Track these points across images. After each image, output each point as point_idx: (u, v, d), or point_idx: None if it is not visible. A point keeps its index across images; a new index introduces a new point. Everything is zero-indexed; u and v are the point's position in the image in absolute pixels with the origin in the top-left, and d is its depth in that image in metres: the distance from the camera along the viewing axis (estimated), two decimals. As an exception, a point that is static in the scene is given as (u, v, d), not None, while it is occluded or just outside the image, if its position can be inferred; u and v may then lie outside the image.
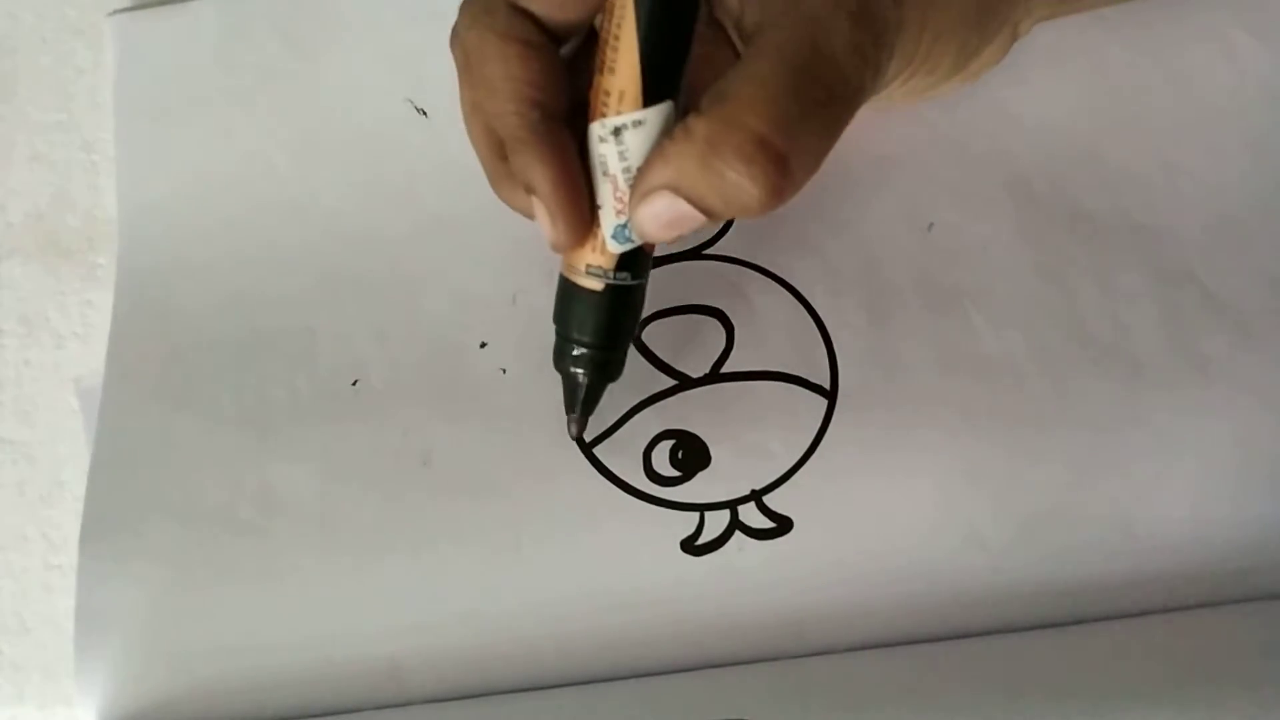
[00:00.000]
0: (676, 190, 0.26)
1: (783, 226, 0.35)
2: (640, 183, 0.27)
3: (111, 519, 0.34)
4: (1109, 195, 0.35)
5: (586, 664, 0.32)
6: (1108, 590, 0.32)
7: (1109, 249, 0.35)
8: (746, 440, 0.34)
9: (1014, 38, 0.33)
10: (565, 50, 0.29)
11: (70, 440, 0.37)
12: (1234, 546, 0.33)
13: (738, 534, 0.33)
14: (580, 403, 0.32)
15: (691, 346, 0.35)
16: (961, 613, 0.32)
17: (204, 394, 0.35)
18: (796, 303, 0.35)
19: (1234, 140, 0.36)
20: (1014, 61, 0.34)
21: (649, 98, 0.26)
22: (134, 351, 0.36)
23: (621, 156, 0.27)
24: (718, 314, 0.35)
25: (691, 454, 0.34)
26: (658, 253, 0.35)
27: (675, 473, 0.34)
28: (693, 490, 0.33)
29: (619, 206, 0.28)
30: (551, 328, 0.32)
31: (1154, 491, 0.33)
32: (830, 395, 0.34)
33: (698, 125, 0.26)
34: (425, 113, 0.37)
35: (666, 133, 0.27)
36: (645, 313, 0.34)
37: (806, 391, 0.34)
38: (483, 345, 0.35)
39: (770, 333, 0.35)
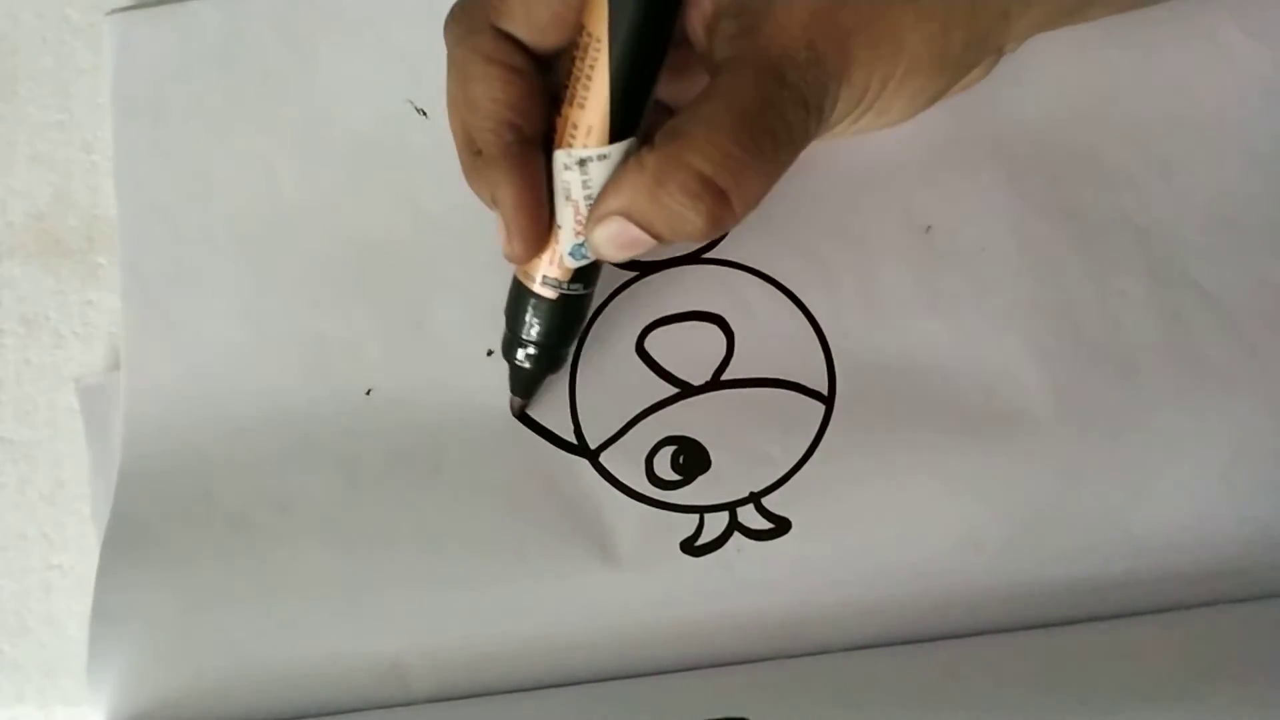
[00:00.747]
0: (628, 216, 0.28)
1: (781, 230, 0.35)
2: (597, 207, 0.29)
3: (135, 521, 0.34)
4: (1106, 196, 0.35)
5: (587, 664, 0.33)
6: (1106, 590, 0.32)
7: (1106, 250, 0.35)
8: (746, 445, 0.34)
9: (998, 59, 0.34)
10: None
11: (70, 440, 0.37)
12: (1231, 546, 0.33)
13: (736, 535, 0.33)
14: (524, 389, 0.34)
15: (692, 354, 0.35)
16: (959, 613, 0.33)
17: (220, 401, 0.35)
18: (794, 308, 0.35)
19: (1232, 141, 0.36)
20: (1012, 62, 0.35)
21: (615, 135, 0.28)
22: (148, 359, 0.36)
23: (584, 185, 0.29)
24: (718, 320, 0.35)
25: (692, 459, 0.34)
26: (659, 256, 0.35)
27: (676, 476, 0.34)
28: (693, 493, 0.34)
29: (578, 228, 0.30)
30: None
31: (1152, 492, 0.33)
32: (828, 400, 0.34)
33: (649, 159, 0.28)
34: (425, 113, 0.37)
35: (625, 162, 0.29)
36: (647, 320, 0.35)
37: (804, 397, 0.34)
38: (489, 354, 0.35)
39: (769, 339, 0.35)
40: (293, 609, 0.33)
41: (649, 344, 0.35)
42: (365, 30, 0.38)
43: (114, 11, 0.39)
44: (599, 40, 0.27)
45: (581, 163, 0.29)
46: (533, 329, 0.32)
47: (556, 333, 0.32)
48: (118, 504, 0.34)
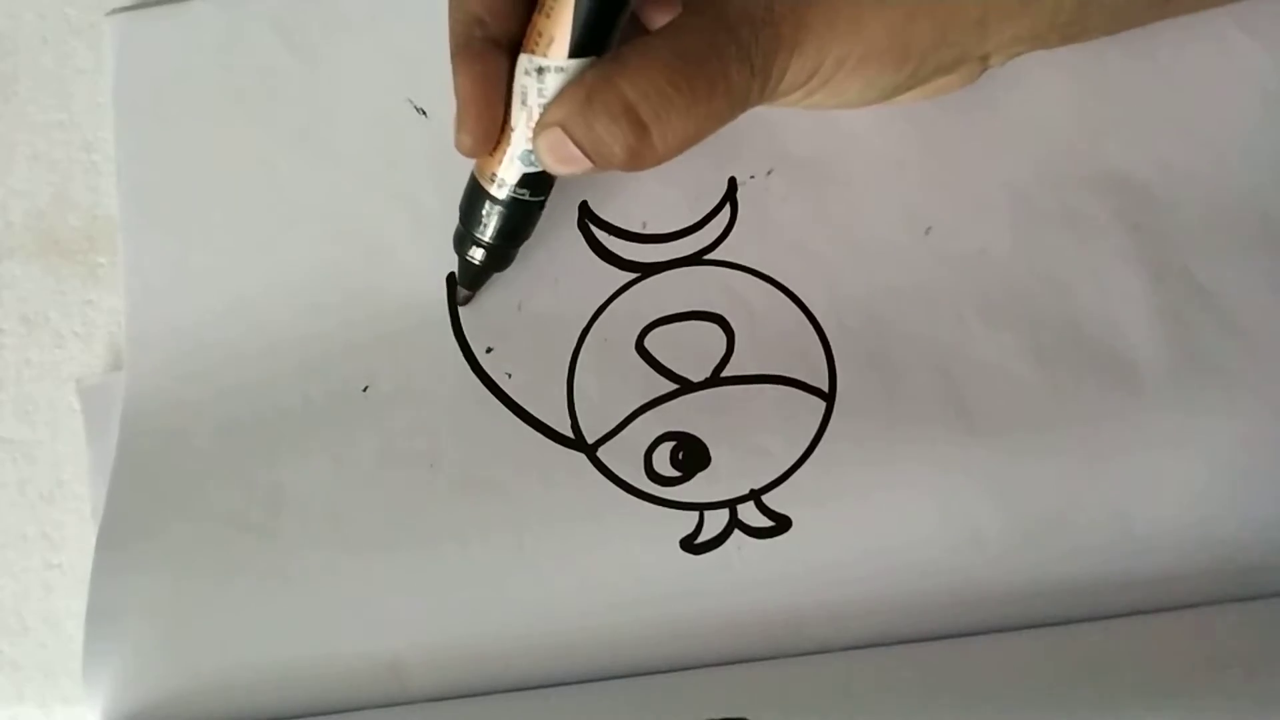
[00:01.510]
0: (564, 129, 0.29)
1: (782, 232, 0.35)
2: (543, 115, 0.30)
3: (130, 521, 0.34)
4: (1106, 196, 0.35)
5: (587, 663, 0.33)
6: (1107, 590, 0.32)
7: (1106, 250, 0.35)
8: (746, 442, 0.34)
9: (983, 69, 0.33)
10: None
11: (70, 440, 0.37)
12: (1233, 545, 0.33)
13: (737, 532, 0.33)
14: (471, 282, 0.35)
15: (692, 352, 0.35)
16: (960, 611, 0.33)
17: (218, 397, 0.35)
18: (795, 307, 0.35)
19: (1231, 141, 0.36)
20: (1012, 63, 0.35)
21: (575, 51, 0.29)
22: (149, 358, 0.36)
23: (540, 93, 0.30)
24: (718, 320, 0.35)
25: (692, 455, 0.34)
26: (660, 258, 0.35)
27: (675, 473, 0.34)
28: (692, 490, 0.34)
29: (529, 134, 0.30)
30: (551, 330, 0.34)
31: (1152, 491, 0.33)
32: (829, 398, 0.34)
33: (587, 76, 0.29)
34: (425, 112, 0.37)
35: None
36: (647, 319, 0.35)
37: (805, 394, 0.34)
38: (489, 351, 0.35)
39: (770, 337, 0.35)
40: (289, 607, 0.33)
41: (649, 342, 0.35)
42: (365, 30, 0.38)
43: (114, 11, 0.39)
44: None
45: (540, 70, 0.29)
46: (484, 227, 0.33)
47: (503, 234, 0.33)
48: (111, 502, 0.35)
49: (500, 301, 0.36)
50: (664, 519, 0.33)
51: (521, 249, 0.34)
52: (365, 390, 0.35)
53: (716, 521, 0.33)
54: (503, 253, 0.34)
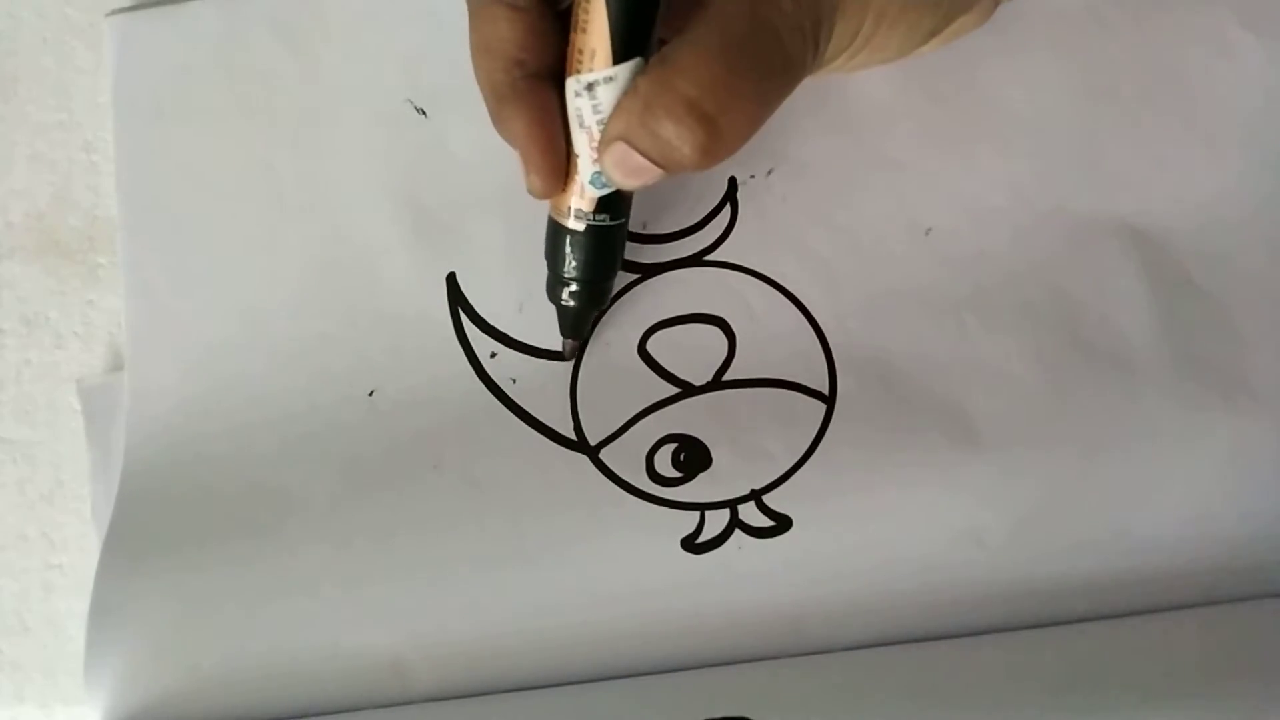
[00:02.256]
0: (628, 142, 0.28)
1: (782, 233, 0.36)
2: (604, 133, 0.29)
3: (138, 524, 0.34)
4: (1105, 197, 0.35)
5: (588, 663, 0.33)
6: (1106, 589, 0.33)
7: (1105, 251, 0.35)
8: (747, 443, 0.34)
9: (996, 3, 0.33)
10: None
11: (70, 440, 0.37)
12: (1232, 545, 0.33)
13: (737, 532, 0.33)
14: (572, 328, 0.34)
15: (694, 355, 0.35)
16: (960, 612, 0.33)
17: (224, 402, 0.35)
18: (795, 309, 0.35)
19: (1231, 141, 0.36)
20: (1012, 62, 0.35)
21: (619, 55, 0.28)
22: (151, 360, 0.36)
23: (595, 110, 0.29)
24: (719, 323, 0.35)
25: (693, 456, 0.34)
26: (660, 259, 0.35)
27: (677, 474, 0.34)
28: (693, 490, 0.34)
29: (594, 155, 0.30)
30: (554, 333, 0.34)
31: (1152, 491, 0.33)
32: (829, 400, 0.34)
33: (641, 84, 0.28)
34: (424, 112, 0.37)
35: None
36: (649, 322, 0.35)
37: (806, 397, 0.34)
38: (493, 355, 0.35)
39: (770, 340, 0.35)
40: (292, 607, 0.33)
41: (650, 346, 0.35)
42: (365, 30, 0.38)
43: (114, 11, 0.38)
44: None
45: (589, 87, 0.29)
46: (569, 264, 0.32)
47: (590, 266, 0.32)
48: (120, 503, 0.34)
49: (501, 303, 0.36)
50: (665, 519, 0.34)
51: (522, 254, 0.34)
52: (371, 395, 0.35)
53: (717, 521, 0.33)
54: (596, 288, 0.33)
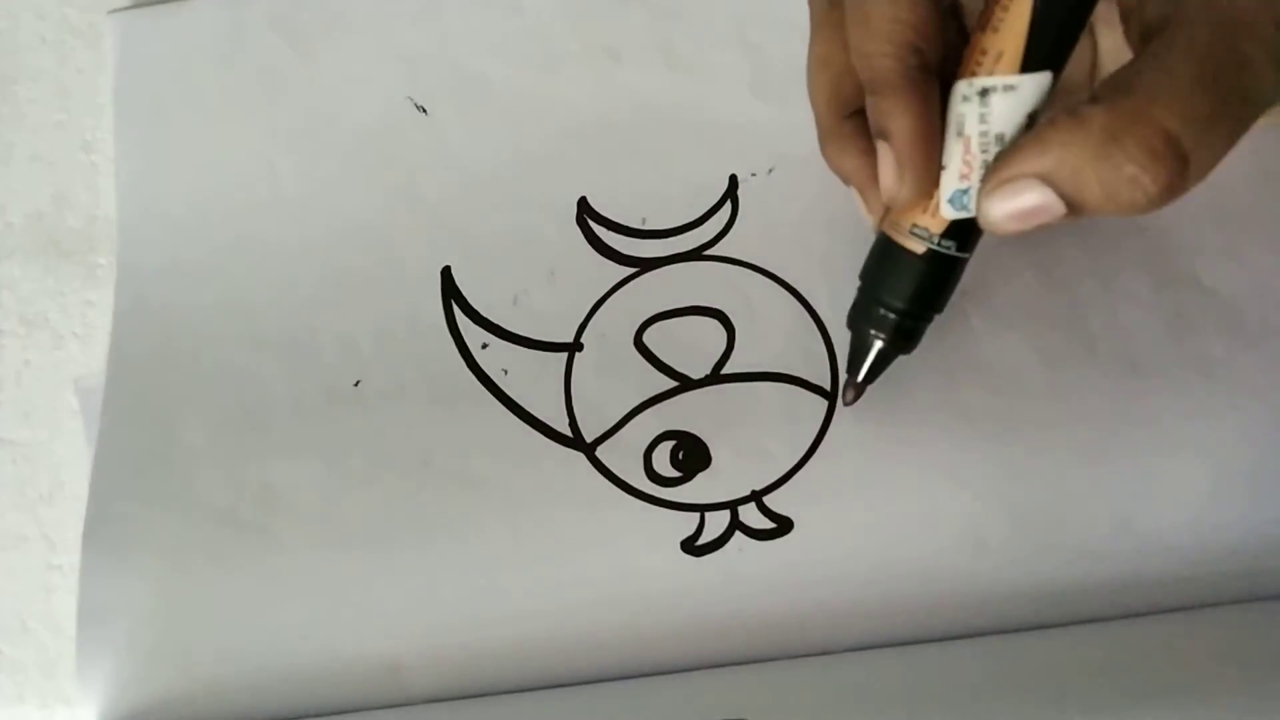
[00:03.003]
0: (1049, 180, 0.25)
1: (783, 228, 0.35)
2: (1005, 166, 0.26)
3: (114, 517, 0.34)
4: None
5: (587, 664, 0.33)
6: (1108, 590, 0.32)
7: (1109, 249, 0.35)
8: (747, 441, 0.34)
9: None
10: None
11: (70, 440, 0.37)
12: (1235, 547, 0.32)
13: (738, 534, 0.33)
14: (866, 369, 0.31)
15: (693, 348, 0.35)
16: (962, 613, 0.32)
17: (206, 393, 0.35)
18: (797, 303, 0.35)
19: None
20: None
21: (1028, 63, 0.26)
22: (135, 351, 0.36)
23: (982, 119, 0.26)
24: (719, 315, 0.35)
25: (692, 455, 0.34)
26: (660, 254, 0.35)
27: (676, 473, 0.34)
28: (693, 491, 0.34)
29: (964, 170, 0.27)
30: (548, 325, 0.33)
31: (1155, 492, 0.33)
32: (831, 396, 0.34)
33: (1095, 114, 0.24)
34: (425, 110, 0.37)
35: (1038, 107, 0.26)
36: (646, 314, 0.35)
37: (807, 392, 0.34)
38: (484, 346, 0.35)
39: (771, 334, 0.35)
40: (283, 606, 0.33)
41: (647, 338, 0.35)
42: (365, 29, 0.38)
43: (114, 11, 0.39)
44: None
45: (983, 93, 0.26)
46: (898, 291, 0.29)
47: (921, 299, 0.29)
48: (93, 499, 0.34)
49: (496, 296, 0.35)
50: (664, 520, 0.33)
51: (519, 248, 0.34)
52: (357, 385, 0.35)
53: (717, 523, 0.33)
54: (913, 326, 0.30)
